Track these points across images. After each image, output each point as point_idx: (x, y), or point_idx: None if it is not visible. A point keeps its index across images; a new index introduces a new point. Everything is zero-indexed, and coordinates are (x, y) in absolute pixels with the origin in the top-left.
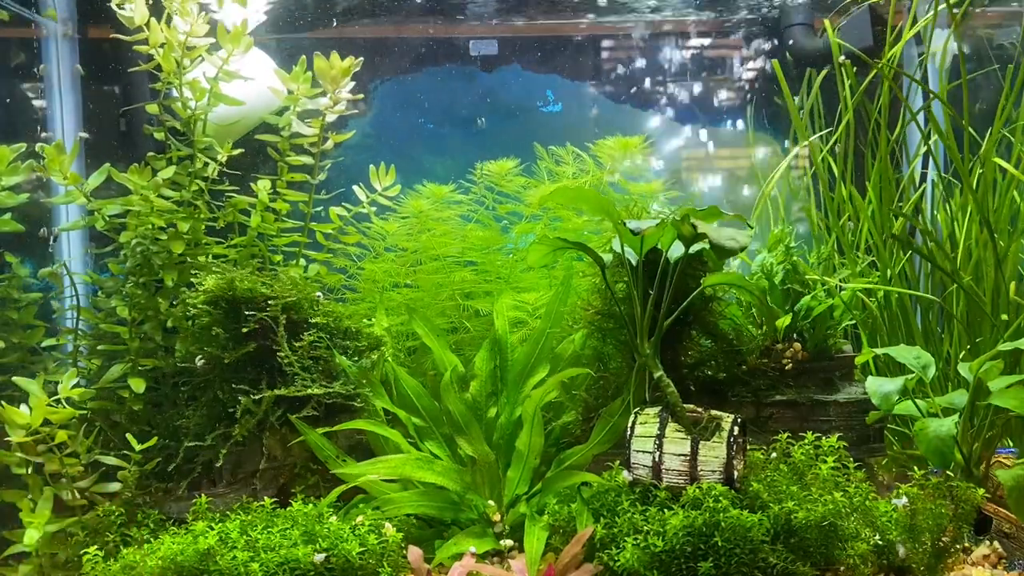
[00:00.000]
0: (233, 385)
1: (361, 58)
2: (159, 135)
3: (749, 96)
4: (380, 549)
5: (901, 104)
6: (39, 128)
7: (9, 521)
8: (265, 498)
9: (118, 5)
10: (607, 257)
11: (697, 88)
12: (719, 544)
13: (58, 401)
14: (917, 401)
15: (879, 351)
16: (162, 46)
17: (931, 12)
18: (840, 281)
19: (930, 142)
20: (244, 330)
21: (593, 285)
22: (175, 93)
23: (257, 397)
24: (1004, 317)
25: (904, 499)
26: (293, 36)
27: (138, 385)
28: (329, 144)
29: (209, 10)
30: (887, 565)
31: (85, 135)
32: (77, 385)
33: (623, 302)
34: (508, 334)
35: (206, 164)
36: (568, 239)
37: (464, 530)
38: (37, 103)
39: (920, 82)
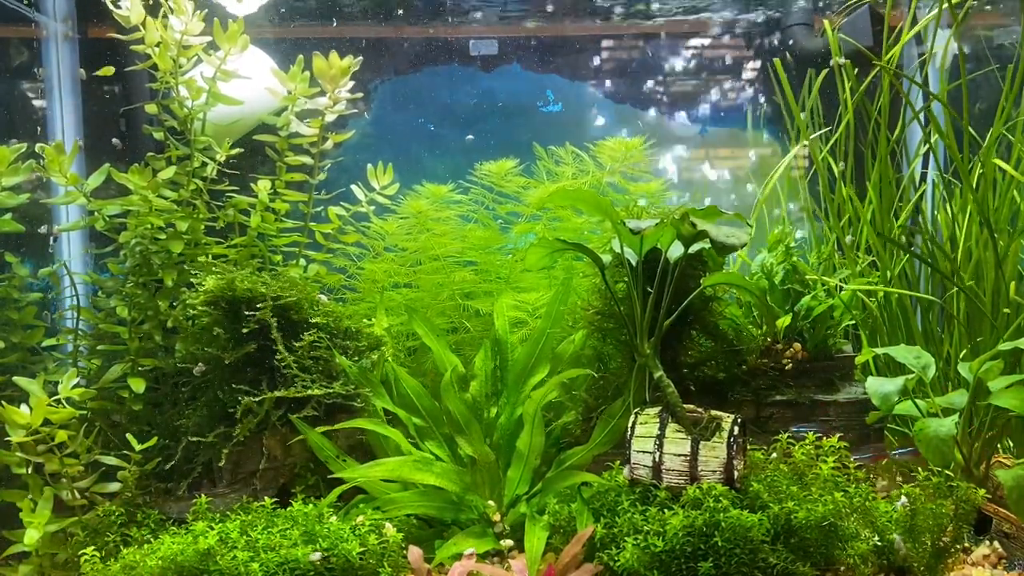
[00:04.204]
0: (233, 385)
1: (360, 57)
2: (158, 135)
3: (749, 96)
4: (380, 549)
5: (901, 104)
6: (39, 129)
7: (9, 521)
8: (265, 498)
9: (114, 3)
10: (607, 258)
11: (697, 88)
12: (719, 544)
13: (58, 401)
14: (917, 401)
15: (879, 351)
16: (158, 45)
17: (932, 12)
18: (840, 281)
19: (931, 142)
20: (244, 330)
21: (593, 285)
22: (173, 93)
23: (259, 399)
24: (1006, 310)
25: (904, 499)
26: (293, 35)
27: (138, 385)
28: (329, 144)
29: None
30: (887, 565)
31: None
32: (77, 385)
33: (623, 302)
34: (508, 334)
35: (204, 164)
36: (567, 240)
37: (464, 530)
38: (37, 103)
39: (919, 84)
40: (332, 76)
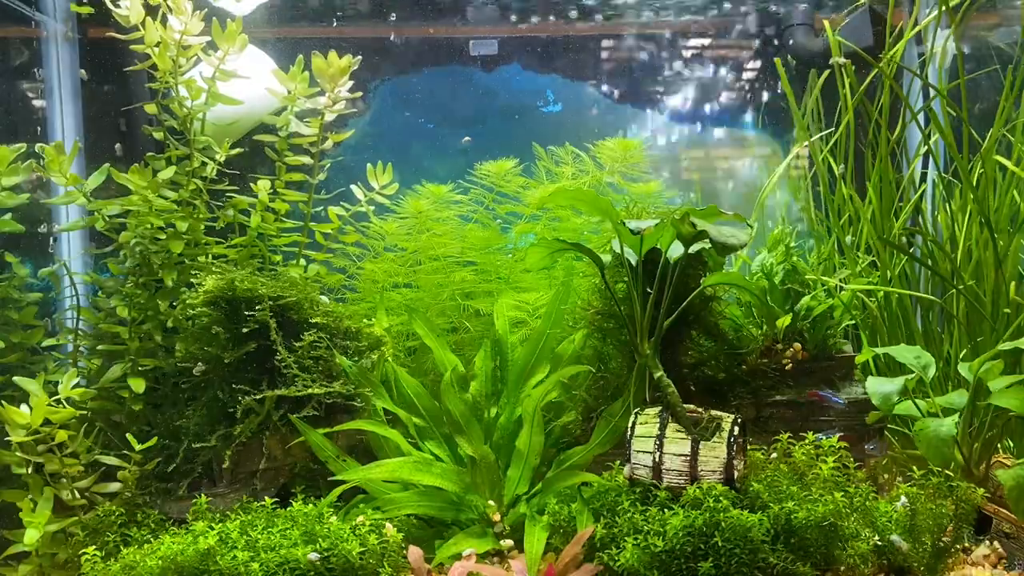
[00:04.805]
0: (233, 385)
1: (359, 56)
2: (158, 135)
3: (750, 96)
4: (380, 549)
5: (901, 105)
6: (39, 129)
7: (9, 521)
8: (265, 498)
9: (114, 3)
10: (606, 258)
11: (697, 88)
12: (719, 544)
13: (58, 401)
14: (917, 401)
15: (879, 351)
16: (158, 45)
17: (932, 13)
18: (840, 281)
19: (931, 142)
20: (244, 330)
21: (593, 285)
22: (173, 93)
23: (259, 397)
24: (1006, 310)
25: (904, 499)
26: (293, 35)
27: (138, 385)
28: (328, 144)
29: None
30: (887, 565)
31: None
32: (77, 385)
33: (623, 302)
34: (508, 334)
35: (204, 164)
36: (567, 240)
37: (464, 530)
38: (37, 103)
39: (923, 79)
40: (331, 75)
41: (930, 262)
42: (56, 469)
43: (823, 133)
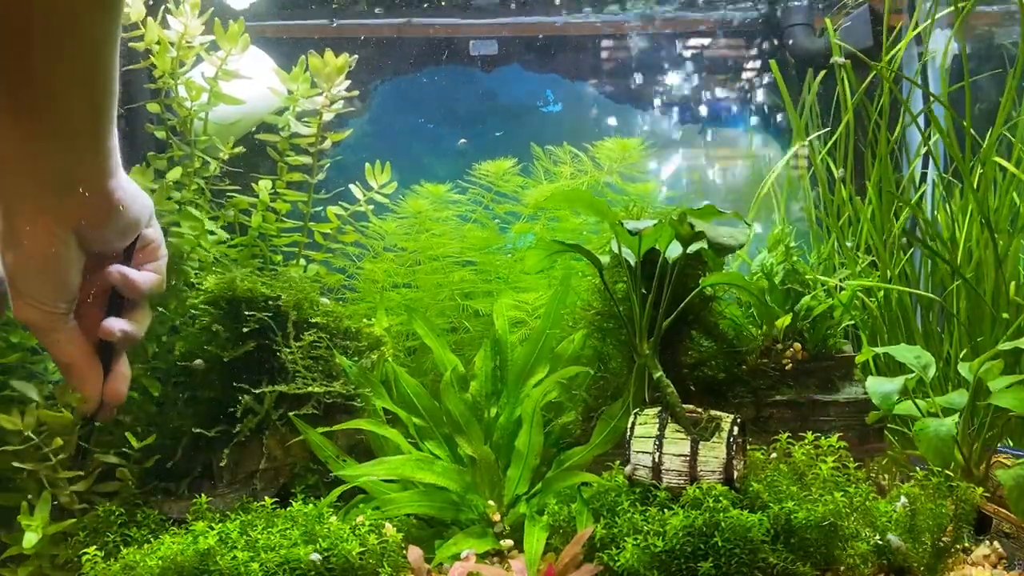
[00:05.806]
0: (233, 385)
1: (356, 55)
2: (160, 134)
3: (749, 96)
4: (380, 549)
5: (901, 104)
6: None
7: (9, 522)
8: (265, 498)
9: None
10: (605, 258)
11: (697, 88)
12: (719, 544)
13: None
14: (917, 401)
15: (879, 351)
16: (158, 43)
17: (932, 12)
18: (840, 281)
19: (931, 142)
20: (244, 330)
21: (592, 286)
22: (172, 93)
23: (259, 391)
24: (1005, 316)
25: (904, 499)
26: (293, 34)
27: (155, 388)
28: (327, 143)
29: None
30: (887, 565)
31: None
32: None
33: (622, 302)
34: (508, 334)
35: (206, 163)
36: (565, 241)
37: (464, 530)
38: None
39: (920, 84)
40: (327, 74)
41: (930, 261)
42: (52, 474)
43: (821, 132)
